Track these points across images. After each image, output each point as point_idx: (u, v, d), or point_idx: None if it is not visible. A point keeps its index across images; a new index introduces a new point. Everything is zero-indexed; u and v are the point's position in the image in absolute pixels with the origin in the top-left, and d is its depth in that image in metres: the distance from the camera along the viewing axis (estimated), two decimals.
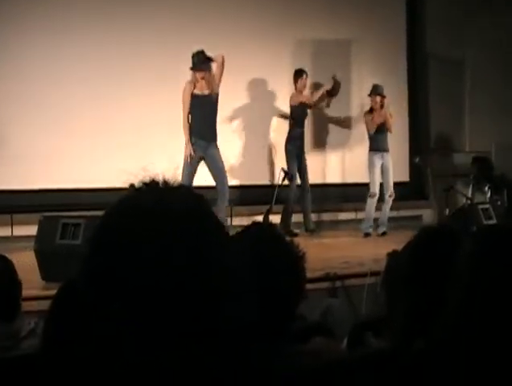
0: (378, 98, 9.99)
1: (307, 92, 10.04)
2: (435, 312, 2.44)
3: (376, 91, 10.00)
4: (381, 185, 10.01)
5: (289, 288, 2.25)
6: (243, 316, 1.02)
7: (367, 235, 9.91)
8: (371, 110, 10.11)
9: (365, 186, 10.06)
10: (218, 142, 8.74)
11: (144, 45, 9.60)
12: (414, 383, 2.27)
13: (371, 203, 9.95)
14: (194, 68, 8.41)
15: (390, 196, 9.95)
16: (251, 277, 1.06)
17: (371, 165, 10.01)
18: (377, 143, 9.99)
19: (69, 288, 1.14)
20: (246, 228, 2.28)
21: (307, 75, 9.75)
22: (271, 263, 2.14)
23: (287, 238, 2.38)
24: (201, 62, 8.37)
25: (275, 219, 8.53)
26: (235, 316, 0.99)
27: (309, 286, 5.62)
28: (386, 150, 10.01)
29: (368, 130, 10.09)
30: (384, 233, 9.88)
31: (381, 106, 10.01)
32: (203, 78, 8.39)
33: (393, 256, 3.50)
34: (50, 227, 6.35)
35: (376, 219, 10.03)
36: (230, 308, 0.98)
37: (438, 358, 1.96)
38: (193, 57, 8.39)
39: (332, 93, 10.17)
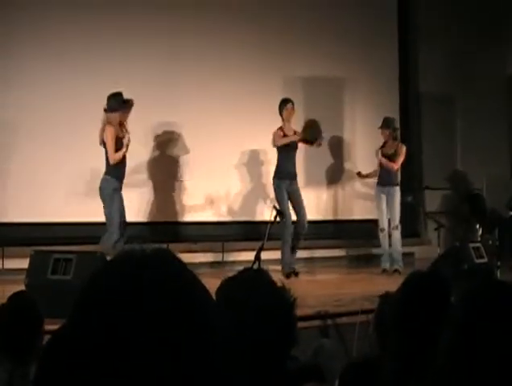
0: (387, 131, 9.88)
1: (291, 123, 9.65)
2: (426, 357, 2.45)
3: (386, 124, 9.90)
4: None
5: (281, 334, 2.25)
6: None
7: (384, 271, 9.73)
8: (384, 145, 10.02)
9: (357, 222, 10.06)
10: (211, 178, 8.74)
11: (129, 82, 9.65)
12: None
13: (382, 237, 9.81)
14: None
15: (393, 229, 9.75)
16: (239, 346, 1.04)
17: (376, 200, 9.95)
18: (382, 177, 9.94)
19: (59, 338, 1.12)
20: (238, 274, 2.28)
21: (293, 105, 9.42)
22: (263, 310, 2.14)
23: (279, 282, 2.37)
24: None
25: (268, 255, 8.47)
26: None
27: (301, 324, 5.64)
28: (391, 184, 9.87)
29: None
30: (396, 271, 9.62)
31: (394, 138, 9.92)
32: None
33: (384, 298, 3.52)
34: (41, 262, 6.35)
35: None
36: None
37: None
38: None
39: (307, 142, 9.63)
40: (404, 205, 10.65)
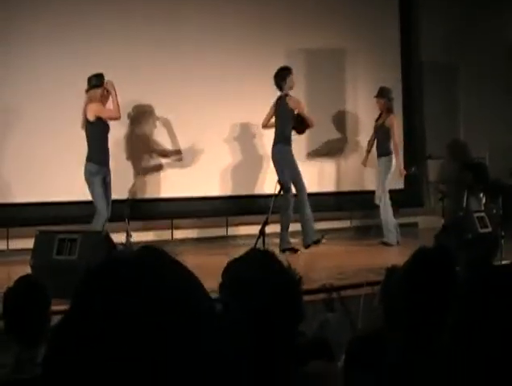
0: (383, 100, 9.83)
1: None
2: (433, 330, 2.46)
3: (381, 93, 9.86)
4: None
5: (289, 312, 2.26)
6: None
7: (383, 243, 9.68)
8: (380, 115, 9.97)
9: (359, 193, 10.04)
10: (214, 152, 8.68)
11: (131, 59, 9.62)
12: None
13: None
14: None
15: (378, 200, 9.70)
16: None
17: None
18: (369, 147, 9.99)
19: (66, 323, 1.14)
20: (244, 255, 2.29)
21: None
22: (270, 289, 2.15)
23: (285, 262, 2.38)
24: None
25: (272, 228, 8.46)
26: None
27: (306, 298, 5.66)
28: (380, 155, 9.81)
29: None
30: (383, 243, 9.61)
31: (388, 109, 9.86)
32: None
33: (391, 272, 3.53)
34: (46, 242, 6.36)
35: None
36: None
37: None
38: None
39: (297, 127, 9.40)
40: (408, 175, 10.65)
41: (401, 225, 10.77)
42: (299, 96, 10.13)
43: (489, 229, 7.30)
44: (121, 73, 8.95)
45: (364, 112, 10.96)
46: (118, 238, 7.73)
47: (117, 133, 9.16)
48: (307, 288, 6.08)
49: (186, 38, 10.04)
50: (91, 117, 8.18)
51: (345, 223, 11.18)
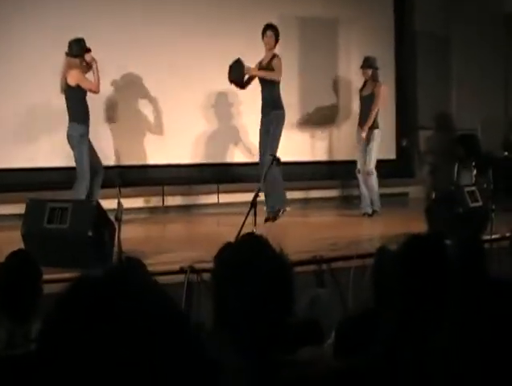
0: (370, 71, 9.74)
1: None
2: (425, 316, 2.48)
3: (368, 64, 9.76)
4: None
5: (280, 296, 2.27)
6: None
7: (364, 214, 9.61)
8: (365, 84, 9.91)
9: (352, 163, 10.00)
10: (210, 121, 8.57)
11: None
12: None
13: (360, 180, 9.73)
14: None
15: (368, 174, 9.60)
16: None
17: (357, 141, 9.83)
18: (359, 118, 9.84)
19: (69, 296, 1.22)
20: (238, 240, 2.29)
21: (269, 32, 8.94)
22: (263, 274, 2.15)
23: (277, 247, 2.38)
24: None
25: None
26: None
27: (296, 269, 5.69)
28: (371, 128, 9.64)
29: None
30: (374, 212, 9.55)
31: (374, 79, 9.76)
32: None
33: (381, 252, 3.55)
34: (37, 211, 6.35)
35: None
36: None
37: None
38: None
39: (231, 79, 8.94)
40: (399, 144, 10.64)
41: (392, 195, 10.82)
42: (292, 63, 10.09)
43: (480, 203, 7.33)
44: (105, 38, 8.93)
45: (357, 81, 10.88)
46: (108, 204, 7.73)
47: (107, 98, 9.14)
48: (297, 259, 6.16)
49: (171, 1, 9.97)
50: (72, 83, 8.18)
51: (337, 193, 11.20)
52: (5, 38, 9.05)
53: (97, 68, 8.24)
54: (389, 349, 2.54)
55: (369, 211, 9.58)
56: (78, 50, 8.20)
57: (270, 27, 8.97)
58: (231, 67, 8.78)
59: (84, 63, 8.30)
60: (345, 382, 2.19)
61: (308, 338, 2.70)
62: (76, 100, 8.23)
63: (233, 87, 9.14)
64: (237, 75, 8.79)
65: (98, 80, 8.24)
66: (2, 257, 3.80)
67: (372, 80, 9.77)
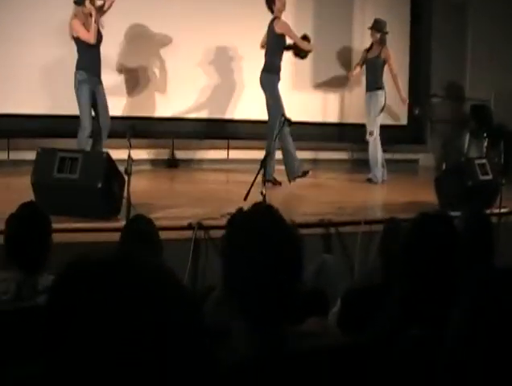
0: (378, 34, 9.63)
1: None
2: (431, 297, 2.49)
3: (379, 27, 9.64)
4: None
5: (290, 266, 2.28)
6: None
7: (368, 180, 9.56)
8: (371, 46, 9.81)
9: (362, 126, 9.96)
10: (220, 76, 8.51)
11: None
12: (408, 370, 2.33)
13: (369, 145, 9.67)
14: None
15: (369, 135, 9.48)
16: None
17: (366, 105, 9.74)
18: (367, 81, 9.74)
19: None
20: (250, 208, 2.29)
21: None
22: (274, 242, 2.16)
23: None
24: None
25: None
26: None
27: (304, 231, 5.72)
28: (374, 89, 9.57)
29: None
30: (369, 180, 9.46)
31: (381, 43, 9.66)
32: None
33: (389, 224, 3.55)
34: (47, 160, 6.35)
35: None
36: None
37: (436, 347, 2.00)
38: None
39: (296, 52, 8.91)
40: (411, 111, 10.58)
41: (402, 161, 10.79)
42: (307, 25, 10.00)
43: (490, 177, 7.30)
44: None
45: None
46: (117, 155, 7.75)
47: (114, 50, 9.13)
48: (305, 221, 6.18)
49: None
50: (71, 33, 8.17)
51: (346, 155, 11.18)
52: None
53: (94, 18, 8.12)
54: (394, 326, 2.55)
55: (378, 179, 9.49)
56: None
57: None
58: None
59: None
60: (351, 357, 2.21)
61: (315, 308, 2.72)
62: (78, 48, 8.22)
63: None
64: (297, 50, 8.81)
65: (94, 31, 8.13)
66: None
67: (379, 44, 9.67)
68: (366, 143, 9.62)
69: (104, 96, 8.36)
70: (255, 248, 2.18)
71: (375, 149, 9.47)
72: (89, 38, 8.12)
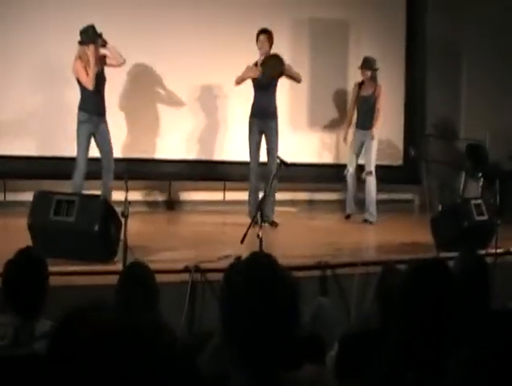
0: (369, 72, 9.62)
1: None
2: (429, 342, 2.50)
3: (368, 65, 9.64)
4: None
5: (287, 314, 2.29)
6: None
7: (347, 217, 9.61)
8: (361, 84, 9.81)
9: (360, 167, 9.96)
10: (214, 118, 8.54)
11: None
12: None
13: (348, 181, 9.64)
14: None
15: (367, 174, 9.48)
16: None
17: (353, 142, 9.73)
18: (361, 120, 9.68)
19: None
20: (247, 258, 2.31)
21: (264, 35, 8.84)
22: (270, 293, 2.18)
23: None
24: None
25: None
26: None
27: (300, 274, 5.71)
28: (366, 128, 9.56)
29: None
30: (366, 221, 9.43)
31: (373, 81, 9.68)
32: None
33: (386, 270, 3.56)
34: (44, 202, 6.37)
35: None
36: None
37: None
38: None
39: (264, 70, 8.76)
40: (406, 151, 10.61)
41: (398, 201, 10.82)
42: (302, 66, 10.07)
43: (486, 217, 7.32)
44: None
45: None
46: (115, 196, 7.78)
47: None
48: (301, 264, 6.18)
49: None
50: (74, 75, 8.23)
51: (342, 196, 11.19)
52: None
53: (93, 63, 8.14)
54: (391, 369, 2.56)
55: (351, 212, 9.57)
56: (85, 37, 8.16)
57: (263, 32, 8.88)
58: (270, 60, 8.74)
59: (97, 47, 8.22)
60: None
61: (312, 353, 2.72)
62: (81, 89, 8.24)
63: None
64: (278, 70, 8.75)
65: (92, 76, 8.14)
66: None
67: (372, 81, 9.69)
68: (362, 183, 9.64)
69: (106, 136, 8.33)
70: (254, 297, 2.20)
71: (373, 188, 9.48)
72: (87, 83, 8.15)
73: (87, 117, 8.20)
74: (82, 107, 8.22)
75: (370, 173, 9.50)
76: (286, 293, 2.31)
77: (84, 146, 8.20)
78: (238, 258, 2.37)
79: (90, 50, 8.14)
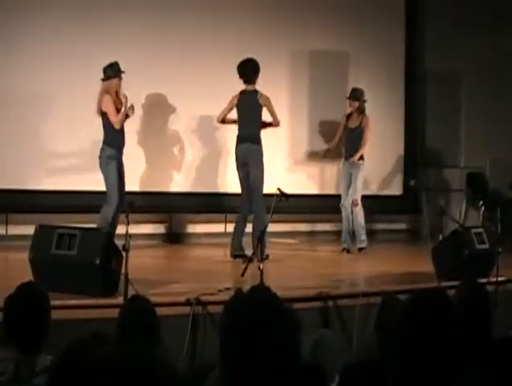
0: (357, 103, 9.67)
1: None
2: (428, 372, 2.50)
3: (355, 96, 9.70)
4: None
5: (287, 351, 2.29)
6: None
7: (343, 250, 9.59)
8: (351, 114, 9.85)
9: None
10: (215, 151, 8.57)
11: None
12: None
13: (343, 214, 9.69)
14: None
15: (353, 205, 9.53)
16: None
17: (342, 174, 9.83)
18: (346, 151, 9.77)
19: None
20: (249, 293, 2.31)
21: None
22: (271, 329, 2.18)
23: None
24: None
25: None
26: None
27: (301, 305, 5.71)
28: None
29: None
30: (361, 249, 9.48)
31: (360, 111, 9.71)
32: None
33: (388, 299, 3.56)
34: (45, 236, 6.37)
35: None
36: None
37: None
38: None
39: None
40: (406, 181, 10.64)
41: (398, 231, 10.82)
42: (302, 98, 10.13)
43: (487, 246, 7.33)
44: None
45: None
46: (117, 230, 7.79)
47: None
48: (303, 295, 6.18)
49: (185, 27, 10.07)
50: (103, 108, 8.18)
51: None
52: None
53: (124, 105, 8.16)
54: None
55: (347, 246, 9.56)
56: (111, 72, 8.18)
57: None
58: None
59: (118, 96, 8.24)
60: None
61: (313, 385, 2.72)
62: (105, 124, 8.21)
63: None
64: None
65: (122, 116, 8.17)
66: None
67: (359, 113, 9.73)
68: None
69: (123, 169, 8.36)
70: (254, 329, 2.20)
71: (361, 218, 9.52)
72: (115, 122, 8.13)
73: (114, 152, 8.19)
74: (109, 143, 8.20)
75: (356, 202, 9.53)
76: (287, 325, 2.31)
77: (117, 182, 8.16)
78: (239, 290, 2.37)
79: (116, 84, 8.17)
